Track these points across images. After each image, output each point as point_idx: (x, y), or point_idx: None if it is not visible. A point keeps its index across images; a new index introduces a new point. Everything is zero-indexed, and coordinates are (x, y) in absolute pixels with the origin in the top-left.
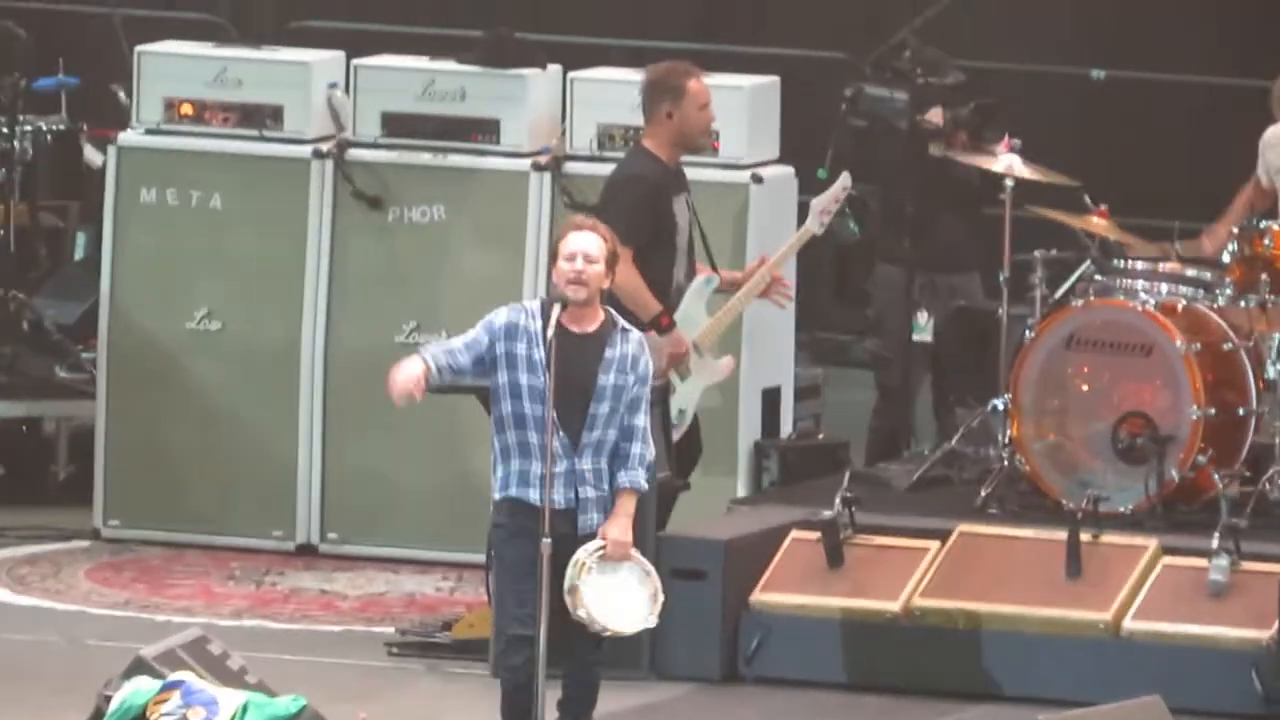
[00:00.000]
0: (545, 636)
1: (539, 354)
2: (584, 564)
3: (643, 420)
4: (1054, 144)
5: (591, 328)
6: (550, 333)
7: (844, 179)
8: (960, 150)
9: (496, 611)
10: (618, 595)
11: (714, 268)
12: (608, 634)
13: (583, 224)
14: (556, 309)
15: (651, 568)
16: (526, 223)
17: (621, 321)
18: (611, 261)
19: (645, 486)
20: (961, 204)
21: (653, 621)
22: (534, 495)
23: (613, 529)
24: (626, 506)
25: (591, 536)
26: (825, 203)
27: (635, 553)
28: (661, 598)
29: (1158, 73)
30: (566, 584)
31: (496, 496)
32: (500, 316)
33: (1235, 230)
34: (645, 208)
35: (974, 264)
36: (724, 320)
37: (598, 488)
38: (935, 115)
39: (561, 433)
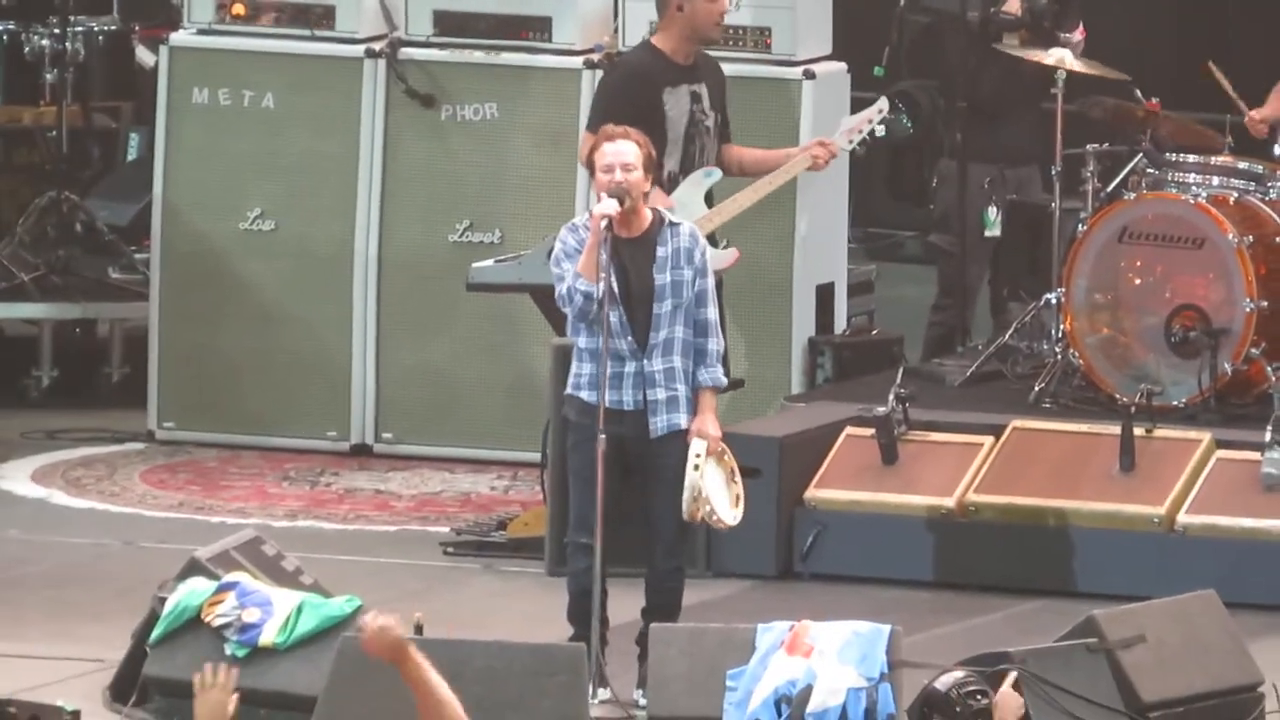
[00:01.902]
0: (602, 534)
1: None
2: (700, 467)
3: (714, 314)
4: (1107, 41)
5: (641, 231)
6: (603, 226)
7: (881, 102)
8: (1021, 43)
9: (559, 515)
10: (723, 489)
11: (737, 163)
12: (723, 528)
13: (614, 133)
14: (605, 221)
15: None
16: (579, 121)
17: (669, 217)
18: (648, 165)
19: (725, 382)
20: (1028, 97)
21: (740, 515)
22: (597, 396)
23: (710, 426)
24: (711, 402)
25: (662, 439)
26: (857, 121)
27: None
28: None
29: None
30: (690, 492)
31: (567, 391)
32: (569, 239)
33: None
34: (618, 94)
35: (1037, 158)
36: (727, 209)
37: (669, 388)
38: (1012, 6)
39: (630, 337)
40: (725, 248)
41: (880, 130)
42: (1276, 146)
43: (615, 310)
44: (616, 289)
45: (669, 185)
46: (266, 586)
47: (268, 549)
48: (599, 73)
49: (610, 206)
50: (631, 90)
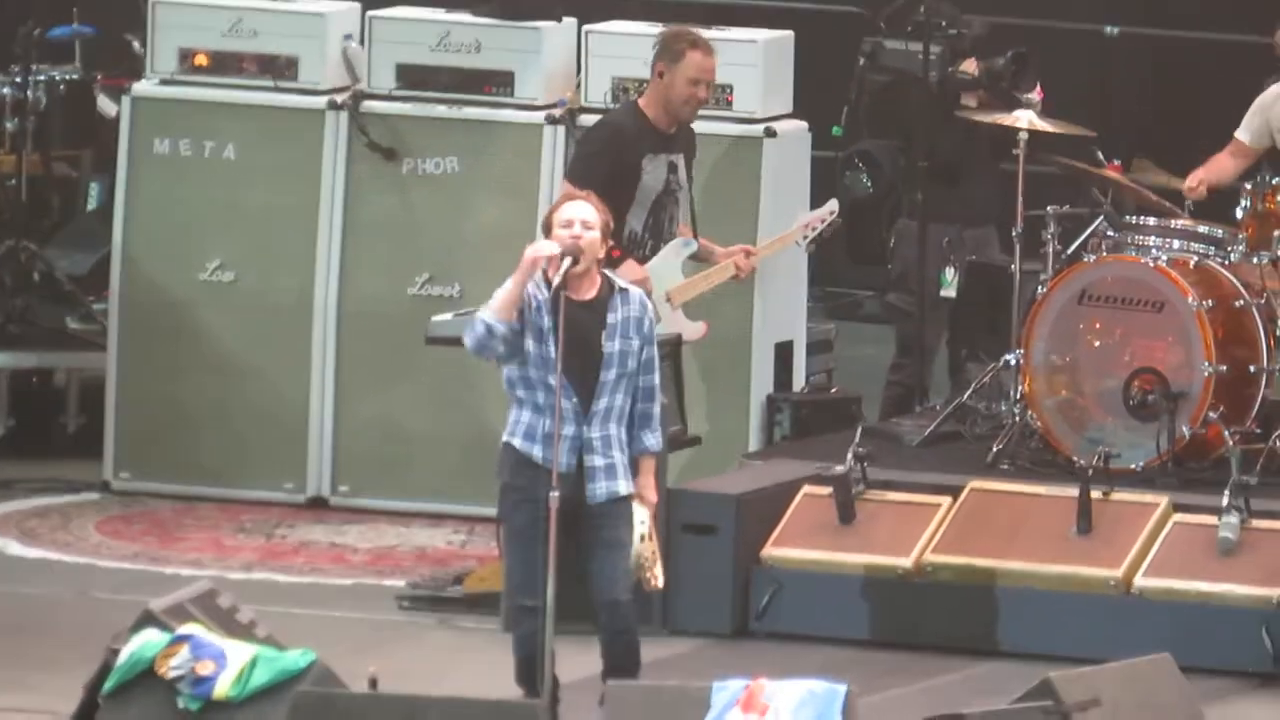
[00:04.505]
0: (553, 594)
1: (545, 321)
2: (645, 538)
3: (658, 379)
4: (1067, 100)
5: (591, 294)
6: (556, 283)
7: (832, 204)
8: (979, 105)
9: (505, 577)
10: (655, 554)
11: (695, 234)
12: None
13: (574, 194)
14: (563, 267)
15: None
16: (540, 175)
17: (619, 283)
18: (605, 231)
19: (661, 446)
20: (987, 157)
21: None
22: (538, 452)
23: (651, 492)
24: (653, 466)
25: (601, 505)
26: (811, 219)
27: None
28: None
29: (1171, 29)
30: (635, 560)
31: (504, 438)
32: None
33: (1248, 186)
34: (601, 152)
35: (994, 218)
36: (696, 285)
37: (606, 455)
38: (970, 66)
39: (574, 399)
40: (684, 316)
41: (829, 232)
42: (1237, 210)
43: (560, 374)
44: (559, 350)
45: (630, 244)
46: (221, 639)
47: (223, 601)
48: (561, 128)
49: (549, 247)
50: (613, 150)
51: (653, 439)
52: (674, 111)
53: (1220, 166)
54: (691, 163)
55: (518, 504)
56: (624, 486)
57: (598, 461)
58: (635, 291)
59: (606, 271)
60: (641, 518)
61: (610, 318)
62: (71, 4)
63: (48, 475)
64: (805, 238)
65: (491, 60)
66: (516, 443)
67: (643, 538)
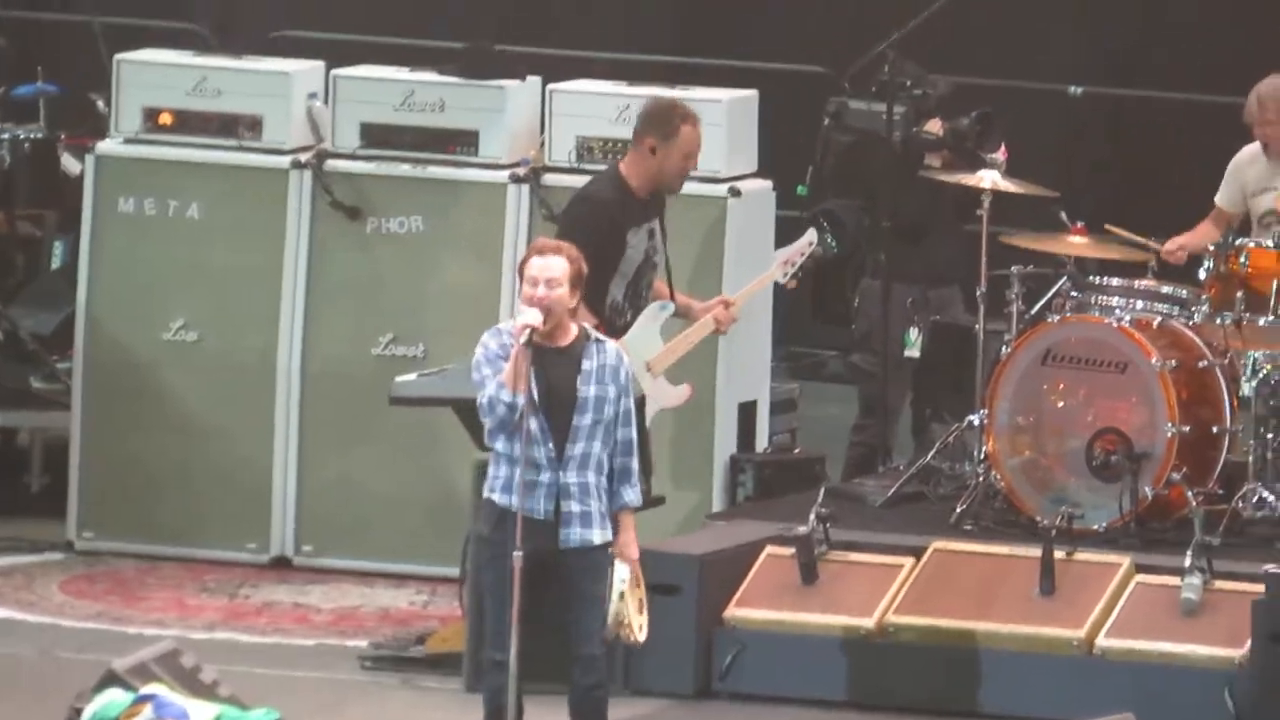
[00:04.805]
0: (516, 650)
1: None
2: (625, 595)
3: (635, 434)
4: (1031, 160)
5: (566, 342)
6: (524, 340)
7: (809, 234)
8: (944, 165)
9: (477, 631)
10: (636, 613)
11: (672, 295)
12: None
13: (545, 247)
14: (526, 331)
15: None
16: (504, 235)
17: (595, 334)
18: (576, 280)
19: (641, 502)
20: (952, 217)
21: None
22: (510, 500)
23: (632, 549)
24: (632, 522)
25: (574, 552)
26: (790, 254)
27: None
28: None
29: (1135, 89)
30: (614, 618)
31: (484, 493)
32: (491, 344)
33: (1211, 248)
34: (588, 229)
35: (958, 278)
36: (678, 349)
37: (583, 502)
38: (934, 126)
39: (550, 444)
40: (667, 382)
41: (810, 263)
42: (1200, 271)
43: (536, 418)
44: (537, 396)
45: (611, 312)
46: (184, 698)
47: (186, 660)
48: (525, 187)
49: (534, 316)
50: (600, 228)
51: (632, 494)
52: (664, 185)
53: (1204, 233)
54: (664, 219)
55: (495, 557)
56: (598, 536)
57: (574, 508)
58: (611, 343)
59: (585, 325)
60: (622, 575)
61: (586, 364)
62: (36, 62)
63: (11, 534)
64: (786, 275)
65: (456, 119)
66: (496, 497)
67: (622, 595)
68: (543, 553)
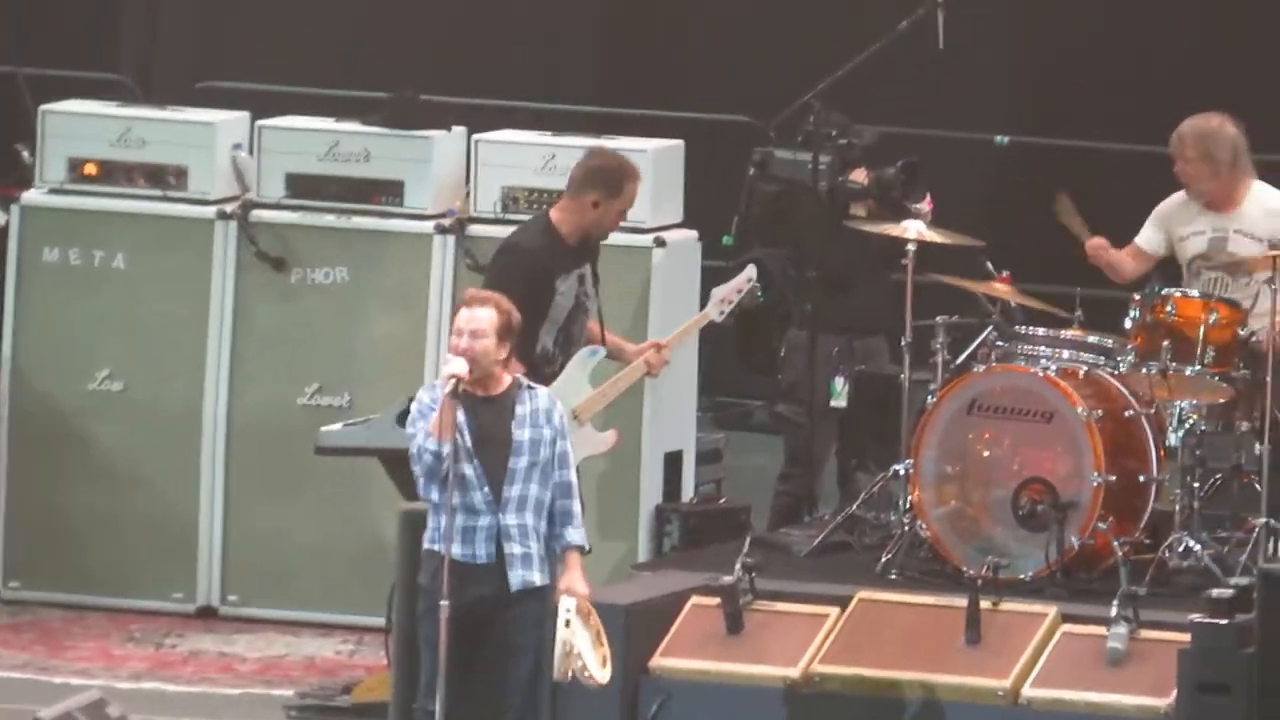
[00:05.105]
0: (442, 698)
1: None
2: (570, 624)
3: (575, 476)
4: (957, 210)
5: (498, 391)
6: (447, 390)
7: (749, 270)
8: (869, 214)
9: (403, 681)
10: (591, 649)
11: (604, 339)
12: (595, 685)
13: (474, 299)
14: (451, 381)
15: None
16: (430, 285)
17: (526, 382)
18: (504, 331)
19: (584, 542)
20: (878, 267)
21: (609, 674)
22: (456, 550)
23: (579, 584)
24: (578, 561)
25: (517, 596)
26: (727, 292)
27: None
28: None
29: (1061, 139)
30: (562, 648)
31: (425, 545)
32: (424, 398)
33: (1137, 297)
34: (515, 278)
35: (884, 328)
36: (608, 394)
37: (523, 544)
38: (860, 175)
39: (486, 488)
40: (594, 428)
41: (748, 300)
42: (1126, 320)
43: (470, 464)
44: (470, 444)
45: (541, 360)
46: None
47: (112, 710)
48: (451, 237)
49: (459, 366)
50: (528, 277)
51: (576, 535)
52: (601, 235)
53: (1120, 258)
54: (596, 263)
55: (431, 607)
56: (539, 578)
57: (515, 549)
58: (542, 390)
59: (517, 376)
60: (568, 605)
61: (519, 409)
62: None
63: None
64: (722, 313)
65: (381, 169)
66: (436, 547)
67: (567, 623)
68: (484, 600)
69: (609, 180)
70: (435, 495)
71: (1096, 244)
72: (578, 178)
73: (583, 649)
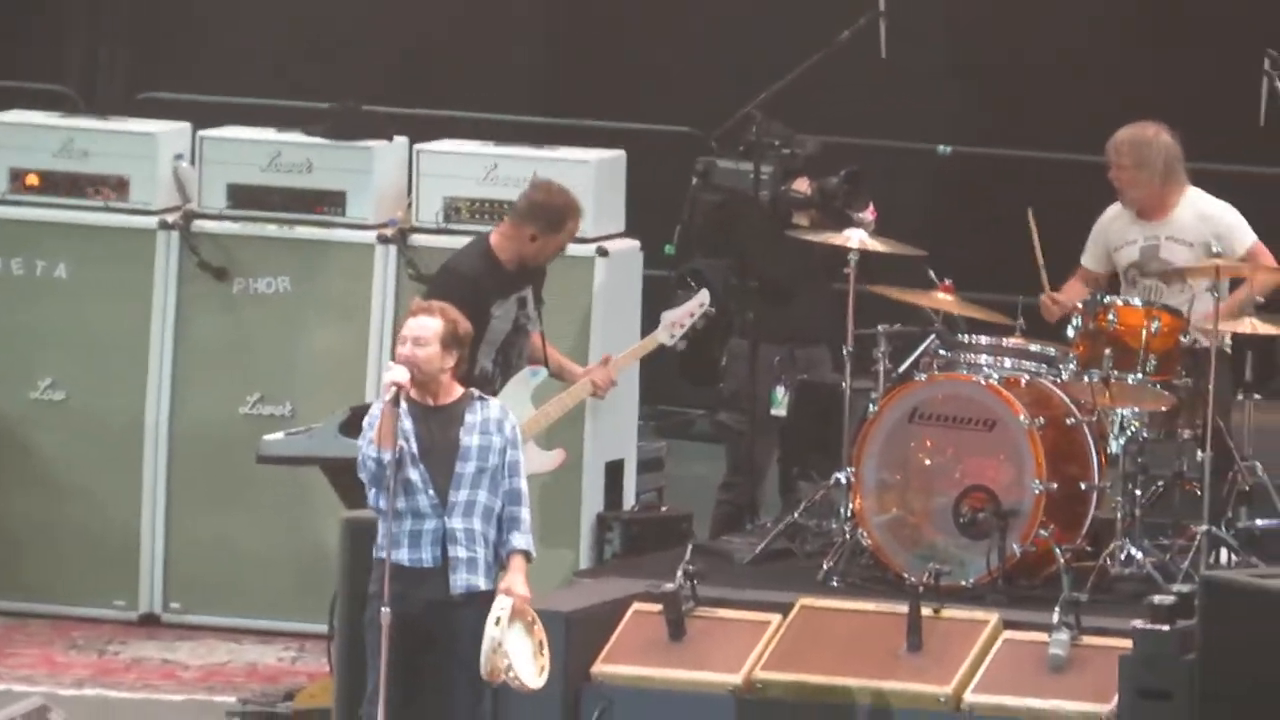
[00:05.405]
0: (384, 704)
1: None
2: (501, 621)
3: (523, 484)
4: (900, 219)
5: (447, 400)
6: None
7: (701, 295)
8: (812, 224)
9: (345, 688)
10: (529, 656)
11: (546, 360)
12: (525, 690)
13: (419, 308)
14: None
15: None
16: (372, 295)
17: (478, 393)
18: (449, 340)
19: (530, 548)
20: (820, 276)
21: (543, 682)
22: (403, 555)
23: (519, 586)
24: (522, 565)
25: (460, 600)
26: (679, 316)
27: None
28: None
29: (1003, 149)
30: (489, 644)
31: (375, 555)
32: (375, 410)
33: (1079, 305)
34: (451, 301)
35: (826, 337)
36: (551, 413)
37: (469, 548)
38: (802, 185)
39: (431, 491)
40: (538, 447)
41: (701, 324)
42: (1069, 329)
43: (416, 469)
44: (416, 449)
45: (480, 381)
46: None
47: (55, 716)
48: (393, 247)
49: (400, 374)
50: (463, 300)
51: (522, 540)
52: (539, 263)
53: (1075, 292)
54: (540, 285)
55: (376, 616)
56: (483, 583)
57: (461, 554)
58: (494, 400)
59: (471, 389)
60: (502, 604)
61: (469, 418)
62: None
63: None
64: (673, 336)
65: (323, 180)
66: (384, 554)
67: (498, 620)
68: (430, 605)
69: (550, 217)
70: (382, 503)
71: (1045, 303)
72: (521, 208)
73: (514, 651)
